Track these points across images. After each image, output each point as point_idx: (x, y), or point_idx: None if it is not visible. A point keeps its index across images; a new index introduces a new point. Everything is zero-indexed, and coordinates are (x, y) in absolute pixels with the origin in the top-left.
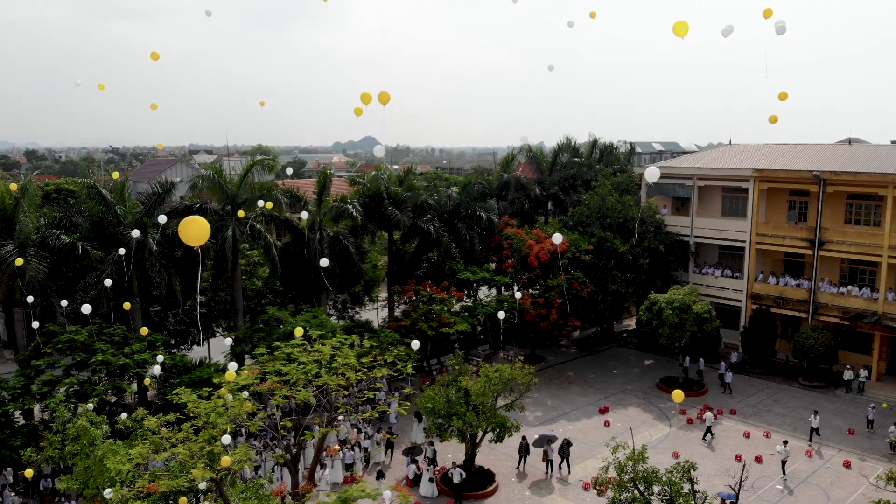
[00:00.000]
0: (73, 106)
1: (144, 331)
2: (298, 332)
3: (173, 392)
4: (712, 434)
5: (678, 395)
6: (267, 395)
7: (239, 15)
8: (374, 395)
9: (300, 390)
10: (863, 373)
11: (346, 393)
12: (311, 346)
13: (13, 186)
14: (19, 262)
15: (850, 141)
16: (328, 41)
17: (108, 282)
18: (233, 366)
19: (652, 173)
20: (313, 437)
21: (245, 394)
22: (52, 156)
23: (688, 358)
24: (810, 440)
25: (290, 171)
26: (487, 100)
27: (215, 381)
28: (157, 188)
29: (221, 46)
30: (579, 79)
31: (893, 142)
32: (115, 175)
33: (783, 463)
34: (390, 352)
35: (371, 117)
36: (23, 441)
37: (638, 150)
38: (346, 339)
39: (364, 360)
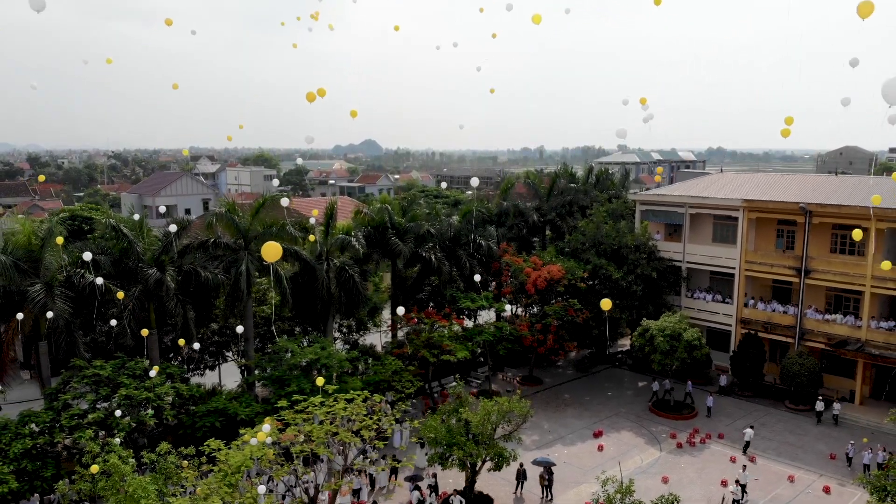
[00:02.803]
0: (73, 106)
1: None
2: (320, 381)
3: (205, 444)
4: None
5: (606, 303)
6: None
7: (239, 16)
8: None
9: (318, 439)
10: (836, 406)
11: (361, 445)
12: (328, 400)
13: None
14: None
15: (840, 156)
16: (329, 42)
17: (125, 310)
18: (266, 427)
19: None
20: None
21: (268, 440)
22: (55, 161)
23: (656, 382)
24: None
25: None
26: (487, 101)
27: (241, 431)
28: (173, 226)
29: (222, 48)
30: (579, 79)
31: (892, 149)
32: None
33: (733, 502)
34: (398, 406)
35: (372, 120)
36: (53, 472)
37: (636, 159)
38: (358, 395)
39: (375, 416)
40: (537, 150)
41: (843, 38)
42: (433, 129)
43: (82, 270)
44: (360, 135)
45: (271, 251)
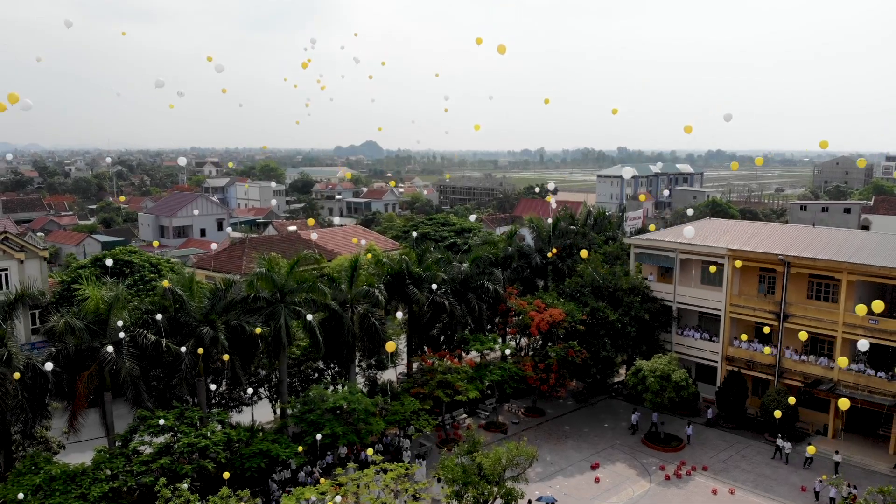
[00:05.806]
0: (74, 107)
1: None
2: (370, 451)
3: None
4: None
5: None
6: None
7: (240, 17)
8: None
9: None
10: (787, 445)
11: None
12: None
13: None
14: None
15: (836, 165)
16: (329, 43)
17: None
18: (338, 499)
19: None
20: None
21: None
22: (63, 168)
23: (633, 415)
24: None
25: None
26: (486, 102)
27: (307, 496)
28: (220, 287)
29: (223, 49)
30: (578, 80)
31: (889, 158)
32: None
33: None
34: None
35: (372, 122)
36: None
37: (635, 173)
38: (399, 466)
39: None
40: (537, 153)
41: (842, 39)
42: (433, 129)
43: (144, 331)
44: (361, 137)
45: (391, 346)
